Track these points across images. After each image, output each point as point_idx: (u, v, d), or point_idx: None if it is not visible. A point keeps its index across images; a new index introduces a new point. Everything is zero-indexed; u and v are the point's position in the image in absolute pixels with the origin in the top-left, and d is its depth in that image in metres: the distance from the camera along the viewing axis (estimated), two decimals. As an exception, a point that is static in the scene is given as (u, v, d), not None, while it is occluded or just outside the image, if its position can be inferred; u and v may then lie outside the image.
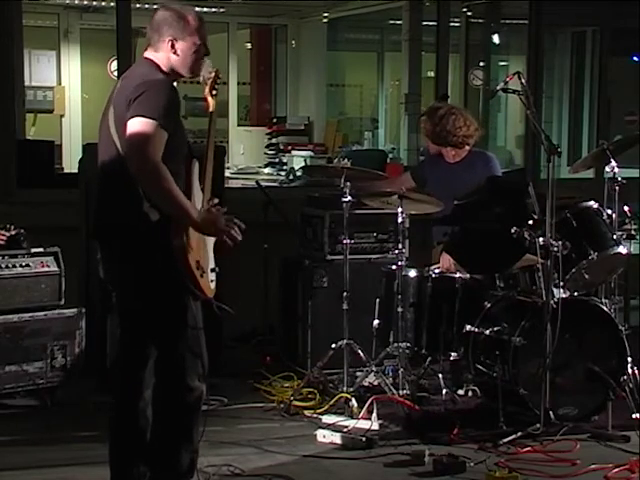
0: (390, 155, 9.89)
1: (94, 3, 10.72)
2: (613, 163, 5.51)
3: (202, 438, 3.97)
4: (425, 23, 8.80)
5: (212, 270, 3.90)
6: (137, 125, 3.60)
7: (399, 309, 5.48)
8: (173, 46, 3.82)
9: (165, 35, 3.82)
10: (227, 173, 8.67)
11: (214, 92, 4.00)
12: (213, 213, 3.80)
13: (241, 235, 3.83)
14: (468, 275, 5.59)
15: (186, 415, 3.89)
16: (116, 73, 8.32)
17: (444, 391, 5.42)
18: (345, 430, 5.02)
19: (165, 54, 3.84)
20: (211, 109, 4.00)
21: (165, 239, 3.65)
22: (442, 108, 6.18)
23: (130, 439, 3.86)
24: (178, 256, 3.66)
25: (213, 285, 3.90)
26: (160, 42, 3.83)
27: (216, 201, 3.91)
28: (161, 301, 3.76)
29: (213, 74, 3.99)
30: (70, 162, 9.08)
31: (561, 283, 5.16)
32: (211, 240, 3.90)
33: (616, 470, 4.50)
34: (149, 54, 3.87)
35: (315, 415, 5.34)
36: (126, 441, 3.87)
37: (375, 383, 5.57)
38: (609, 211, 5.43)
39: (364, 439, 4.88)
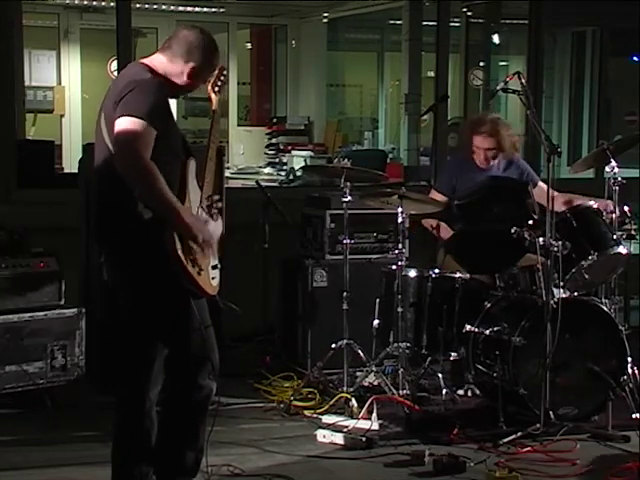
0: (390, 155, 9.89)
1: (94, 3, 10.73)
2: (613, 163, 5.50)
3: (206, 437, 3.97)
4: (425, 23, 8.80)
5: (214, 267, 3.85)
6: (124, 124, 3.58)
7: (399, 309, 5.48)
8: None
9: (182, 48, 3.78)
10: (227, 173, 8.67)
11: (216, 89, 3.92)
12: (200, 222, 3.74)
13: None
14: (468, 275, 5.60)
15: (193, 413, 3.89)
16: (116, 73, 8.31)
17: (444, 391, 5.42)
18: (345, 430, 5.02)
19: (163, 58, 3.80)
20: (214, 107, 3.91)
21: (159, 239, 3.64)
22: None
23: (134, 440, 3.85)
24: (171, 255, 3.63)
25: (215, 282, 3.86)
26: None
27: (216, 197, 3.87)
28: (160, 301, 3.75)
29: (217, 70, 3.90)
30: (70, 162, 9.08)
31: (561, 283, 5.17)
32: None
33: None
34: (147, 58, 3.83)
35: (315, 415, 5.34)
36: (130, 442, 3.86)
37: (375, 383, 5.56)
38: (609, 211, 5.44)
39: (364, 439, 4.88)
